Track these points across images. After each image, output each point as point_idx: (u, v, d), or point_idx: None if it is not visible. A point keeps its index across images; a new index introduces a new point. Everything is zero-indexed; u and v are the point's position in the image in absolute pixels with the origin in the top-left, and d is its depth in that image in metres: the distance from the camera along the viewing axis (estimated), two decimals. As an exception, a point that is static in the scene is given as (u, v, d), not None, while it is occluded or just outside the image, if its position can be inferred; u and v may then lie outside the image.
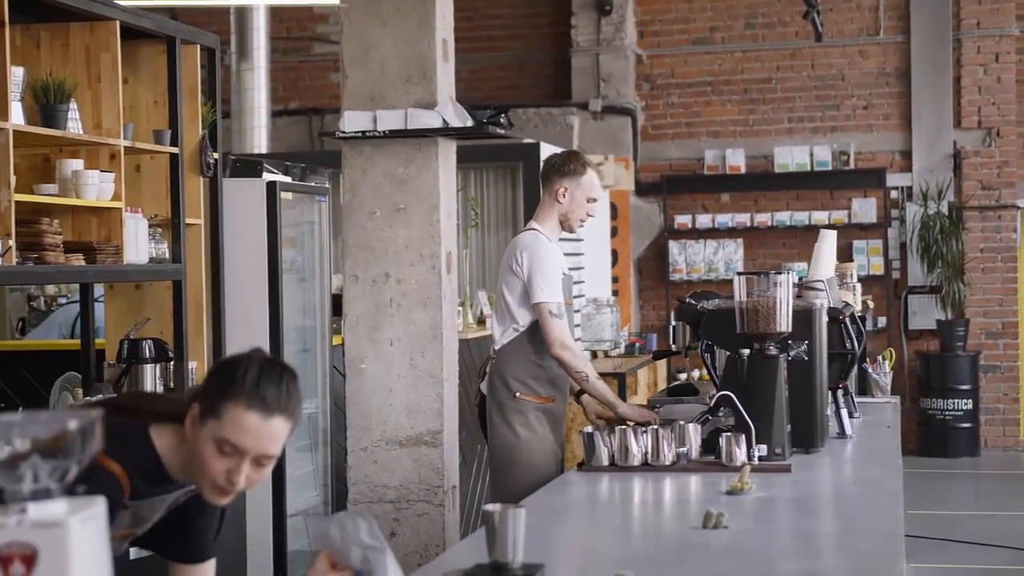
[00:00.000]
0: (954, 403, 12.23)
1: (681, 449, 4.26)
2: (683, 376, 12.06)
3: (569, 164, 5.35)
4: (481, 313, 8.26)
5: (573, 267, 10.29)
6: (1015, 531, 9.16)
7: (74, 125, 4.94)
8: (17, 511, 1.73)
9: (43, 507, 1.74)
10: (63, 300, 8.28)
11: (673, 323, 5.18)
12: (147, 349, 5.44)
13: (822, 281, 5.15)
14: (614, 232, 12.38)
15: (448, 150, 6.11)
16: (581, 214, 5.35)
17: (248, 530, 5.88)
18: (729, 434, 4.20)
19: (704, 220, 12.89)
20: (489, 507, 2.73)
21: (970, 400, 12.25)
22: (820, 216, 12.59)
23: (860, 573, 2.88)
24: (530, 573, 2.73)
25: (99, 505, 1.78)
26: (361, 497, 5.70)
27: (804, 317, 4.52)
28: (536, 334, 5.19)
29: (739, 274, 4.45)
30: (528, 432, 5.19)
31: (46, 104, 4.81)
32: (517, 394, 5.22)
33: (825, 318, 4.68)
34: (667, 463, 4.21)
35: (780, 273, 4.40)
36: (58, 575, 1.70)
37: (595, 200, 5.38)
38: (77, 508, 1.75)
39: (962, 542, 8.66)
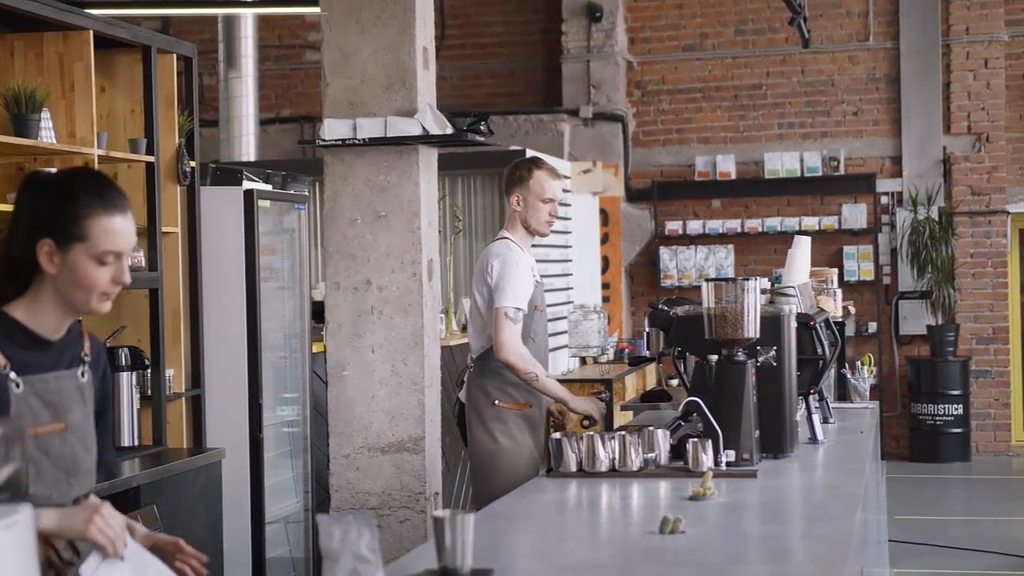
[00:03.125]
0: (945, 408, 12.23)
1: (650, 455, 4.27)
2: (674, 382, 12.07)
3: (516, 172, 5.43)
4: (465, 320, 8.28)
5: (562, 273, 10.34)
6: (1005, 536, 9.17)
7: (47, 134, 4.96)
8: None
9: (-35, 514, 1.75)
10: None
11: (647, 329, 5.20)
12: (123, 357, 5.45)
13: (793, 287, 5.16)
14: (605, 239, 12.40)
15: (429, 158, 6.12)
16: (542, 216, 5.37)
17: (226, 537, 5.88)
18: (696, 440, 4.21)
19: (695, 226, 12.90)
20: (438, 513, 2.75)
21: (961, 405, 12.25)
22: (810, 222, 12.61)
23: (806, 577, 2.90)
24: (478, 578, 2.75)
25: (24, 513, 1.80)
26: (343, 504, 5.71)
27: (773, 323, 4.52)
28: None
29: (707, 280, 4.47)
30: (508, 439, 5.23)
31: (18, 113, 4.83)
32: (496, 402, 5.26)
33: (794, 324, 4.69)
34: (634, 469, 4.22)
35: (748, 279, 4.41)
36: (-21, 581, 1.72)
37: (551, 200, 5.38)
38: (0, 515, 1.77)
39: (947, 547, 8.67)
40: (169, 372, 5.78)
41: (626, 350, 10.98)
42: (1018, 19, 12.65)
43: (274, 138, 12.97)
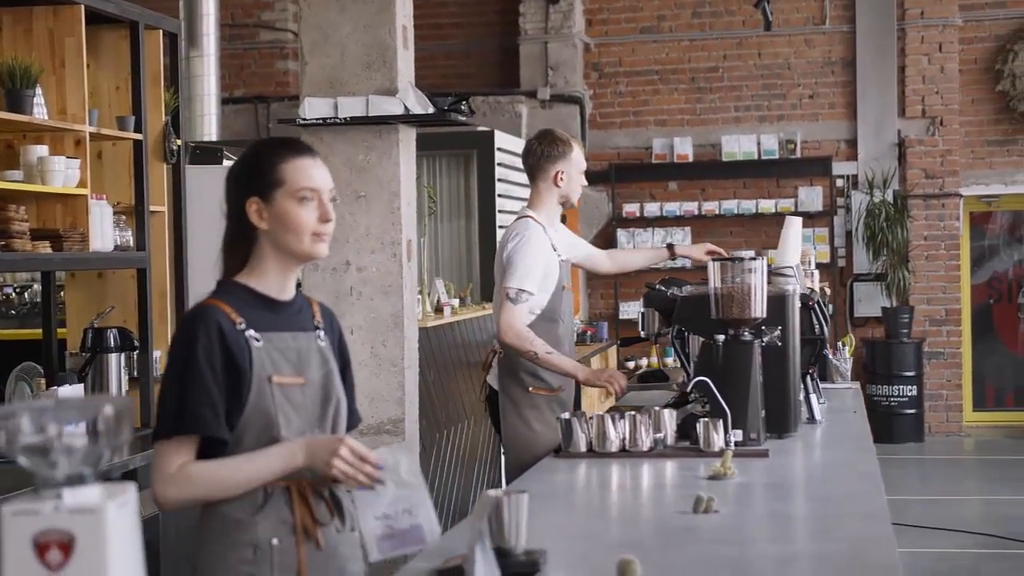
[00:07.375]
0: (899, 389, 12.37)
1: (658, 435, 4.27)
2: (631, 364, 12.11)
3: (557, 147, 5.34)
4: (438, 301, 8.24)
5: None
6: (959, 515, 9.30)
7: (39, 111, 4.86)
8: (52, 497, 1.71)
9: (78, 493, 1.72)
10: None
11: (642, 309, 5.18)
12: (111, 338, 5.37)
13: (791, 267, 5.18)
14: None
15: (408, 137, 6.09)
16: (578, 188, 5.41)
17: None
18: (707, 420, 4.21)
19: (652, 208, 12.93)
20: (492, 492, 2.72)
21: (914, 386, 12.39)
22: (767, 204, 12.68)
23: (856, 554, 2.90)
24: (533, 558, 2.74)
25: (131, 492, 1.76)
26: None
27: (778, 302, 4.53)
28: (542, 325, 5.13)
29: (714, 260, 4.46)
30: (543, 426, 5.14)
31: (12, 89, 4.73)
32: (531, 388, 5.17)
33: (798, 303, 4.71)
34: (644, 449, 4.21)
35: (755, 259, 4.42)
36: (95, 561, 1.69)
37: (584, 168, 5.43)
38: (112, 494, 1.73)
39: (909, 525, 8.76)
40: (157, 353, 5.70)
41: (588, 332, 11.01)
42: (971, 4, 12.78)
43: (228, 118, 12.82)
